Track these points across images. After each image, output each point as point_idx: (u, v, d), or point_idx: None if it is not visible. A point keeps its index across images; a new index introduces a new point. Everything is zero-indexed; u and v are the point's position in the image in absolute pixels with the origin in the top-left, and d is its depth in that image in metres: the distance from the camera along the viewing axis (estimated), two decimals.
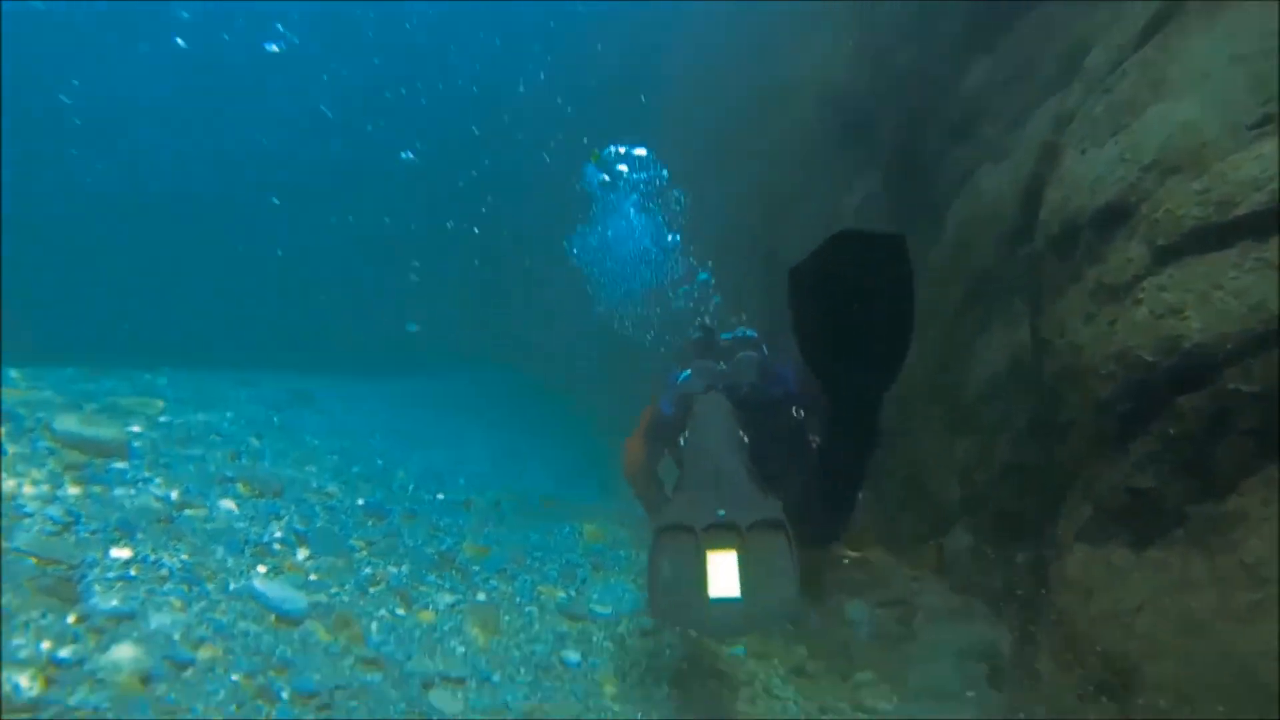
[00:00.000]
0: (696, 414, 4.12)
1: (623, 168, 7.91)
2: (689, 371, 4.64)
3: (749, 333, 5.18)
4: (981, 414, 4.99)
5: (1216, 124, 2.86)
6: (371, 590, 3.79)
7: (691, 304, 7.54)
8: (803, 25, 8.28)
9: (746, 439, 3.96)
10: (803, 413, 4.33)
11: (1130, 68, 3.52)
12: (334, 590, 3.65)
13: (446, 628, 3.74)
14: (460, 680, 3.28)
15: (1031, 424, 3.96)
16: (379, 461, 5.81)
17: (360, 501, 4.83)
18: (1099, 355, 3.05)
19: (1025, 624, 3.40)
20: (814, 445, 4.23)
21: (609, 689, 3.49)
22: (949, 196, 5.80)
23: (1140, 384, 2.80)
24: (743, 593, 2.97)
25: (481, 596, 4.16)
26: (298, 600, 3.33)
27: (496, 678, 3.40)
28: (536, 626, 3.98)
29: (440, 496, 5.48)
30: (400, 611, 3.71)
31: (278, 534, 3.92)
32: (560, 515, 5.56)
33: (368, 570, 3.94)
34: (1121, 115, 3.40)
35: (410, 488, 5.51)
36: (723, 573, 3.03)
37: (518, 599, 4.22)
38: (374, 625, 3.49)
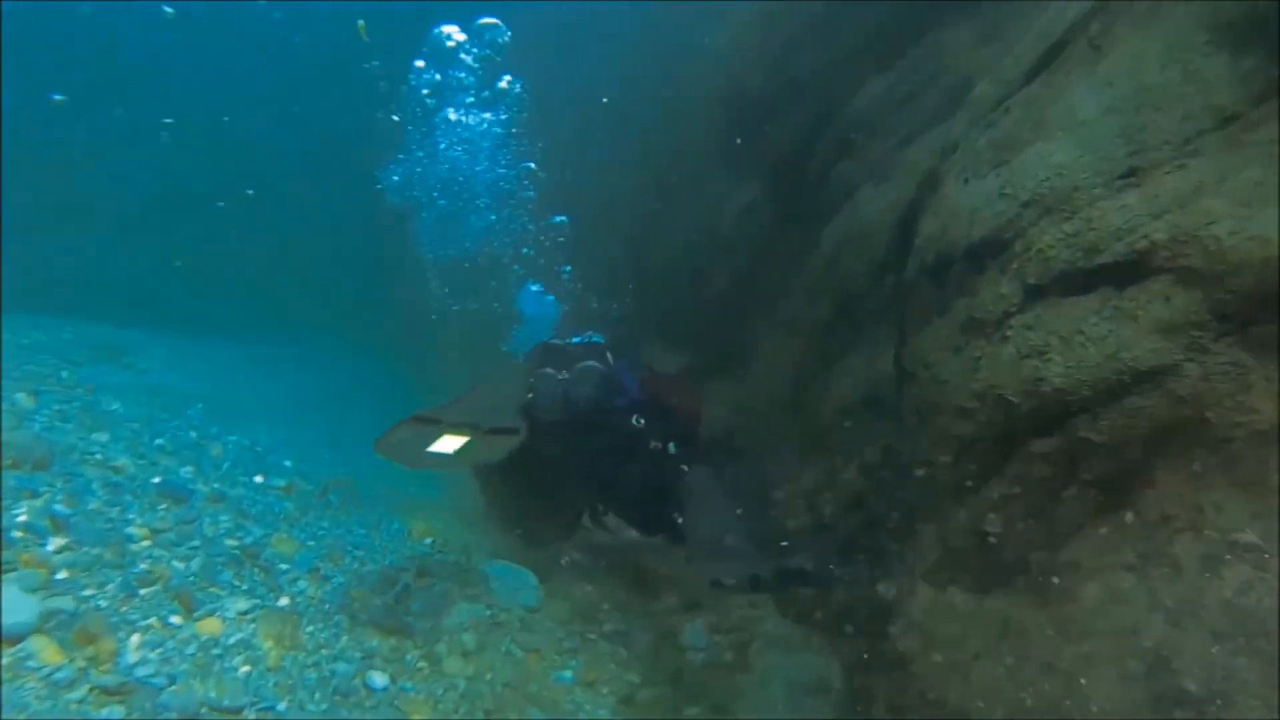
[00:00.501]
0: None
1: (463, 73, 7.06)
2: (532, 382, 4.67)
3: (596, 338, 5.16)
4: (834, 438, 4.94)
5: (1089, 170, 2.80)
6: (142, 592, 3.15)
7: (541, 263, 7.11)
8: (705, 17, 8.06)
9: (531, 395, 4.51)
10: (643, 421, 4.41)
11: (1015, 105, 3.46)
12: (88, 593, 2.99)
13: (232, 641, 3.17)
14: (233, 711, 2.75)
15: (885, 455, 3.87)
16: (192, 433, 5.03)
17: (156, 480, 4.11)
18: (963, 391, 2.94)
19: (861, 662, 3.29)
20: (657, 450, 4.48)
21: (417, 718, 3.06)
22: (829, 211, 5.74)
23: (1001, 424, 2.70)
24: (455, 456, 3.73)
25: (284, 601, 3.60)
26: (24, 608, 2.66)
27: (282, 706, 2.88)
28: (344, 640, 3.48)
29: (259, 479, 4.79)
30: (175, 620, 3.10)
31: (22, 517, 3.19)
32: (391, 508, 5.02)
33: (143, 566, 3.29)
34: (1003, 150, 3.33)
35: (225, 465, 4.79)
36: (448, 443, 3.76)
37: (326, 605, 3.69)
38: (134, 640, 2.87)
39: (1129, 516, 2.30)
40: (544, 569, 4.76)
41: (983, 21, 4.91)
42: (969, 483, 2.83)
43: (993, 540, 2.60)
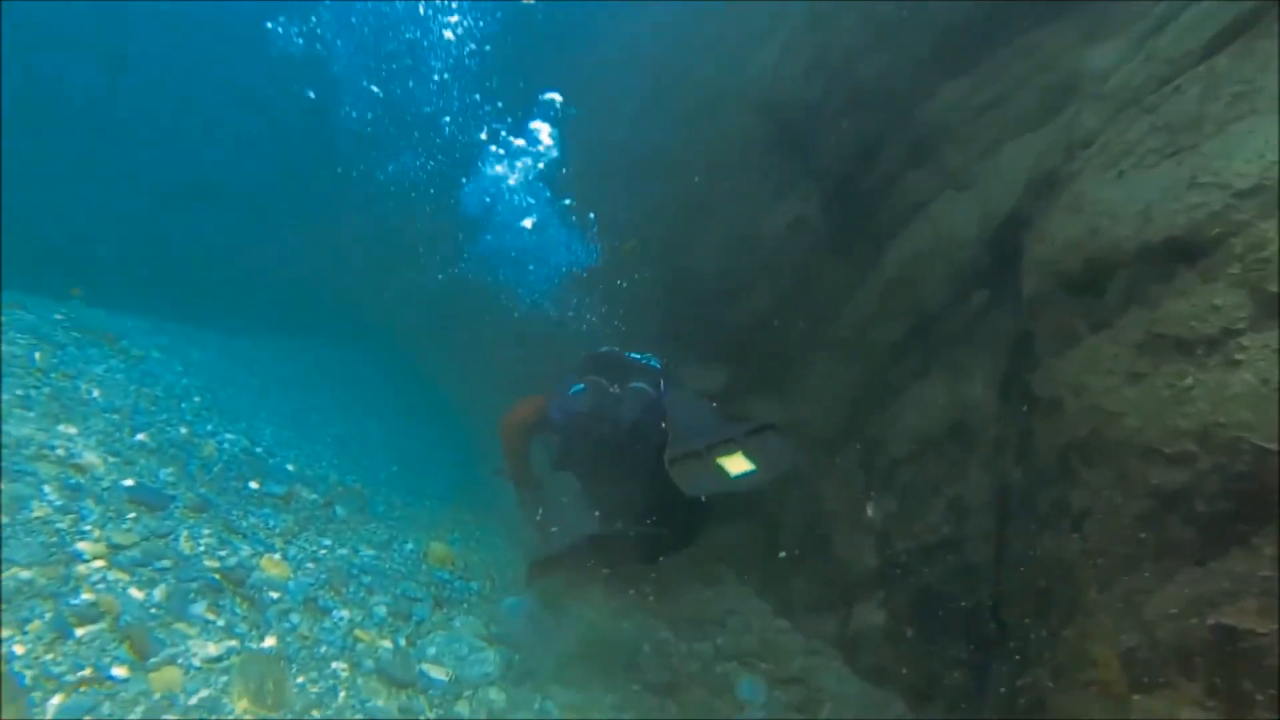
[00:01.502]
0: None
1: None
2: (583, 385, 4.26)
3: (654, 362, 4.74)
4: (906, 473, 4.11)
5: None
6: (79, 633, 2.27)
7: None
8: (753, 23, 7.29)
9: None
10: None
11: (1189, 83, 2.69)
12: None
13: (194, 699, 2.29)
14: None
15: (1001, 495, 3.04)
16: (182, 429, 4.14)
17: (128, 483, 3.23)
18: (1159, 428, 2.11)
19: None
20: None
21: None
22: (895, 225, 4.94)
23: (1240, 477, 1.87)
24: None
25: (269, 642, 2.72)
26: None
27: None
28: (340, 697, 2.60)
29: (254, 485, 3.91)
30: (119, 673, 2.22)
31: None
32: (405, 523, 4.15)
33: (86, 598, 2.41)
34: (1183, 134, 2.55)
35: (216, 468, 3.91)
36: None
37: (322, 648, 2.81)
38: (52, 703, 2.00)
39: None
40: (576, 592, 3.92)
41: (1084, 19, 4.16)
42: (1183, 552, 1.99)
43: (1247, 641, 1.75)
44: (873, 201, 5.11)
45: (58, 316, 4.97)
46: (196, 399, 4.84)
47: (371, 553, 3.65)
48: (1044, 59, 4.24)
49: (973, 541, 3.30)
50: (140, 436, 3.76)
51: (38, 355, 3.96)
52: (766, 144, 6.57)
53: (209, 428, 4.40)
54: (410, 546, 3.85)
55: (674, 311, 7.23)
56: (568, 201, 7.22)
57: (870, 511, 4.34)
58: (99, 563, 2.63)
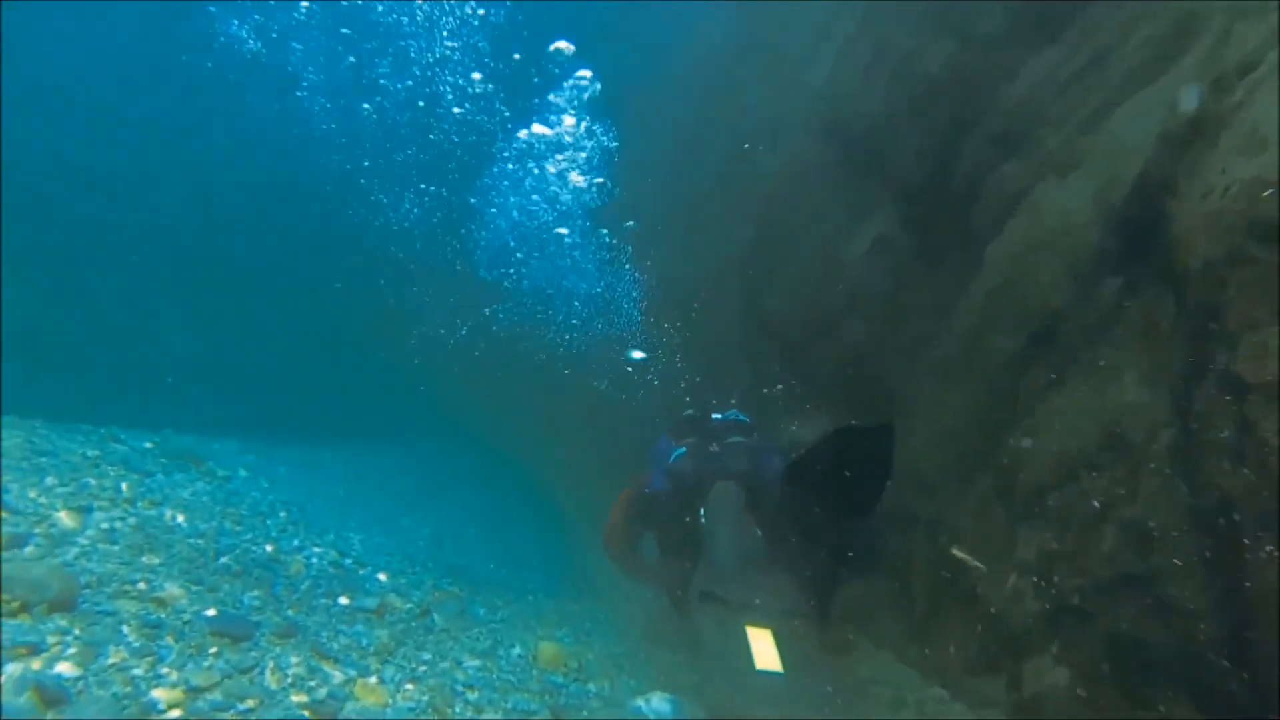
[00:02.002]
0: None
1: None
2: (683, 449, 4.33)
3: (741, 417, 4.82)
4: (1057, 499, 3.43)
5: None
6: None
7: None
8: (802, 34, 7.03)
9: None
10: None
11: None
12: None
13: None
14: None
15: (1222, 514, 2.38)
16: (266, 548, 3.93)
17: (210, 613, 2.98)
18: None
19: None
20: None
21: None
22: (993, 225, 4.40)
23: None
24: None
25: None
26: None
27: None
28: None
29: (344, 600, 3.61)
30: None
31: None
32: (509, 624, 3.74)
33: None
34: None
35: (303, 586, 3.64)
36: None
37: None
38: None
39: None
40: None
41: None
42: None
43: None
44: (961, 204, 4.61)
45: (148, 445, 4.97)
46: (282, 514, 4.67)
47: (476, 663, 3.23)
48: (1143, 5, 3.74)
49: (1169, 572, 2.62)
50: (224, 559, 3.55)
51: (124, 485, 3.87)
52: (833, 164, 6.20)
53: (295, 543, 4.19)
54: (517, 651, 3.42)
55: (759, 362, 6.77)
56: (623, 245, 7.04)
57: (958, 553, 3.81)
58: (175, 712, 2.32)
